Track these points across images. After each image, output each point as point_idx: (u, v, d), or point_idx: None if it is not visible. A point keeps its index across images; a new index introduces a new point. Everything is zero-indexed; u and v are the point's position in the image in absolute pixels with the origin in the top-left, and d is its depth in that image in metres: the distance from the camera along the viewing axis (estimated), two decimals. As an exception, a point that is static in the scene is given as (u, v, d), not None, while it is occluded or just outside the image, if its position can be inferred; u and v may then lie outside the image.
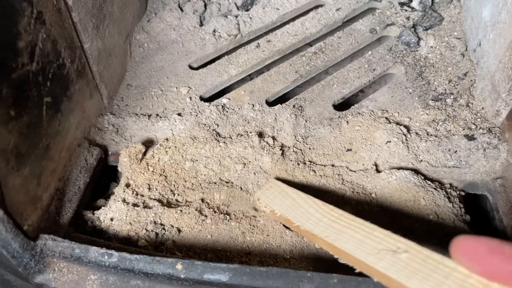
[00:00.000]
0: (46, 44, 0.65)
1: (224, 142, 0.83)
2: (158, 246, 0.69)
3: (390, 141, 0.81)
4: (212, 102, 0.93)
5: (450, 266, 0.39)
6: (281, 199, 0.69)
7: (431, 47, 1.02)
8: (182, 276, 0.57)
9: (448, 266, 0.39)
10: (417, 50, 1.02)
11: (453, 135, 0.82)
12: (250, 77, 1.04)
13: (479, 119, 0.85)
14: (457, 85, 0.93)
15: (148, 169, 0.80)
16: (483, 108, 0.87)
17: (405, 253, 0.44)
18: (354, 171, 0.79)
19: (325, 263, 0.66)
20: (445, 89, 0.93)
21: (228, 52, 1.06)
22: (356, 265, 0.51)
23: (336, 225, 0.58)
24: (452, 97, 0.91)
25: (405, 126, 0.84)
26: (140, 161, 0.81)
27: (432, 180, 0.77)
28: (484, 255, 0.34)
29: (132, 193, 0.75)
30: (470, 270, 0.37)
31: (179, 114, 0.89)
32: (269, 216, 0.71)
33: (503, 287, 0.35)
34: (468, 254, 0.35)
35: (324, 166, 0.80)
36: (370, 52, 1.03)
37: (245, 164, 0.80)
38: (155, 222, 0.71)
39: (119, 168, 0.81)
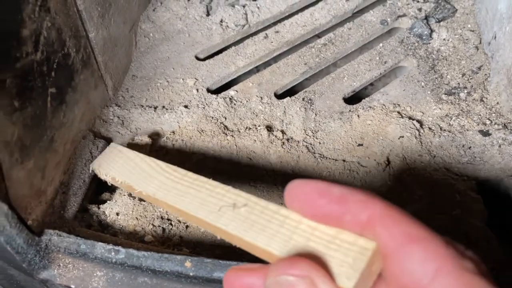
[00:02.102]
0: (50, 33, 0.63)
1: (232, 136, 0.81)
2: (165, 242, 0.67)
3: (403, 136, 0.79)
4: (219, 94, 0.90)
5: (284, 214, 0.38)
6: (122, 165, 0.64)
7: (444, 39, 0.99)
8: (191, 274, 0.56)
9: (282, 215, 0.38)
10: (429, 43, 1.00)
11: (467, 130, 0.80)
12: (257, 68, 1.01)
13: (494, 114, 0.83)
14: (470, 79, 0.91)
15: (155, 163, 0.78)
16: (498, 103, 0.84)
17: (244, 206, 0.42)
18: (366, 167, 0.77)
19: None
20: (458, 83, 0.90)
21: (235, 43, 1.04)
22: (200, 225, 0.48)
23: (179, 186, 0.54)
24: (465, 91, 0.88)
25: (418, 121, 0.82)
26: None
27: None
28: (313, 198, 0.33)
29: (138, 187, 0.74)
30: (302, 215, 0.35)
31: (185, 106, 0.87)
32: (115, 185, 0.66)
33: (329, 227, 0.33)
34: (299, 199, 0.34)
35: (335, 160, 0.78)
36: (381, 44, 1.01)
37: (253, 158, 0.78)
38: (162, 217, 0.69)
39: (124, 161, 0.79)
